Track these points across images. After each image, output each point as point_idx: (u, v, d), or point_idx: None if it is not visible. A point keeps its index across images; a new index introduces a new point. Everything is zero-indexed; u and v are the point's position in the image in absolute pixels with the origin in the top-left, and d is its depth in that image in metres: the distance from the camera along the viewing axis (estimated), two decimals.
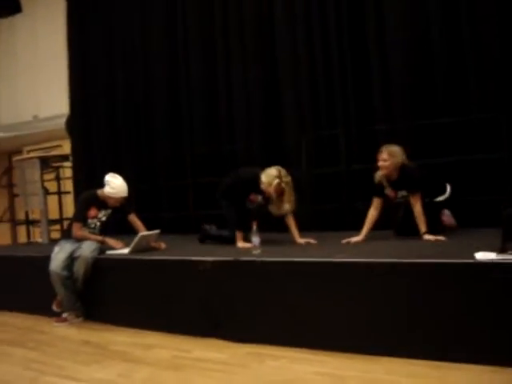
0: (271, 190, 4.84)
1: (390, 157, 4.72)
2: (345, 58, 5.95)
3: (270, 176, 4.84)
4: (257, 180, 4.90)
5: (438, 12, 5.43)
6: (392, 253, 3.91)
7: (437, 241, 4.39)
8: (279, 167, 4.92)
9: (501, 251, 3.25)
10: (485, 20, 5.17)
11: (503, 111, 5.03)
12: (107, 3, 8.20)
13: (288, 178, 4.88)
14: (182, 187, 7.25)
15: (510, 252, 3.21)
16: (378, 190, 4.91)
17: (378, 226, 4.90)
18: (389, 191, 4.88)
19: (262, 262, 4.04)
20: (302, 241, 4.91)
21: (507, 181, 4.95)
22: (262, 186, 4.88)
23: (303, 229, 5.15)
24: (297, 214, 5.08)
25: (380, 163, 4.76)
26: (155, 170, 7.54)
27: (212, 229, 5.65)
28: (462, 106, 5.30)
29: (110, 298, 4.90)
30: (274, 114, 6.52)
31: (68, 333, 4.79)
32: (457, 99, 5.34)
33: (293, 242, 4.93)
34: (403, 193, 4.83)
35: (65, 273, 4.93)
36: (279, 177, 4.82)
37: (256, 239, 4.59)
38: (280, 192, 4.86)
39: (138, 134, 7.79)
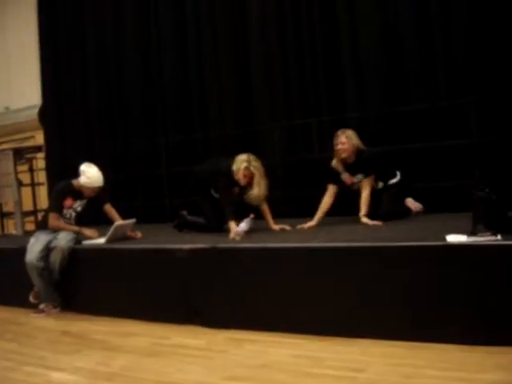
0: (240, 176, 4.85)
1: (347, 139, 4.87)
2: (316, 46, 5.99)
3: (238, 162, 4.87)
4: (231, 171, 4.91)
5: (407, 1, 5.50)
6: (363, 237, 3.98)
7: (374, 225, 4.59)
8: (249, 153, 4.95)
9: (471, 233, 3.34)
10: (455, 7, 5.25)
11: (473, 98, 5.12)
12: None
13: (257, 163, 4.88)
14: (156, 176, 7.25)
15: (479, 234, 3.30)
16: (333, 176, 5.03)
17: (344, 211, 5.07)
18: (345, 176, 5.01)
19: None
20: (276, 227, 4.97)
21: (476, 166, 5.04)
22: (235, 176, 4.90)
23: (277, 216, 5.21)
24: (271, 201, 5.14)
25: (339, 146, 4.89)
26: (130, 159, 7.51)
27: (188, 215, 5.67)
28: (431, 92, 5.38)
29: (88, 287, 4.90)
30: (247, 102, 6.54)
31: (46, 323, 4.80)
32: (427, 86, 5.42)
33: (268, 229, 4.98)
34: (360, 177, 4.96)
35: (41, 264, 4.92)
36: (248, 161, 4.83)
37: (243, 226, 4.62)
38: (249, 176, 4.86)
39: (111, 124, 7.74)
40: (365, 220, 4.72)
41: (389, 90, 5.60)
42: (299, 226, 4.90)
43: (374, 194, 4.98)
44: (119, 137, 7.65)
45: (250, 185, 4.91)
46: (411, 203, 5.22)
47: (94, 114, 7.91)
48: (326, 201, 5.02)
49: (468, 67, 5.20)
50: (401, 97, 5.53)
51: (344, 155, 4.90)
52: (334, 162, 5.02)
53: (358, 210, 4.92)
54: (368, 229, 4.54)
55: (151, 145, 7.30)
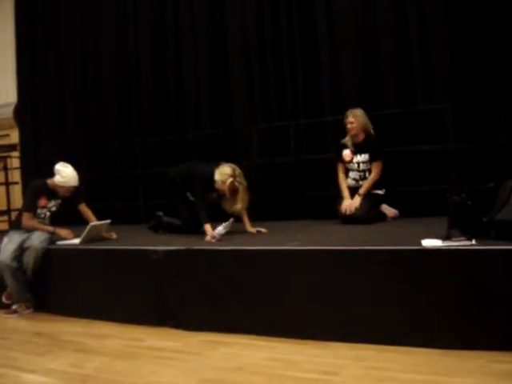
0: (225, 188, 4.83)
1: (355, 118, 5.14)
2: (295, 50, 6.01)
3: (223, 175, 4.81)
4: (211, 178, 4.87)
5: (384, 4, 5.54)
6: (340, 241, 4.00)
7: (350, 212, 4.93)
8: (234, 166, 4.91)
9: (446, 238, 3.37)
10: (433, 11, 5.30)
11: (449, 103, 5.17)
12: None
13: (242, 178, 4.86)
14: (132, 177, 7.21)
15: (454, 238, 3.33)
16: (338, 152, 5.29)
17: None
18: (347, 153, 5.21)
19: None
20: (253, 230, 4.98)
21: (452, 171, 5.09)
22: (216, 185, 4.87)
23: (254, 218, 5.21)
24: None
25: (348, 126, 5.16)
26: (105, 159, 7.46)
27: (164, 216, 5.65)
28: (409, 97, 5.43)
29: (61, 288, 4.85)
30: (225, 104, 6.54)
31: (19, 324, 4.74)
32: (403, 91, 5.46)
33: (244, 231, 4.97)
34: (363, 157, 5.13)
35: (14, 264, 4.86)
36: (233, 176, 4.80)
37: (221, 229, 4.59)
38: (233, 190, 4.85)
39: (87, 124, 7.68)
40: (357, 199, 5.00)
41: (366, 94, 5.63)
42: (252, 229, 4.99)
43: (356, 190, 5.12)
44: (95, 137, 7.58)
45: (232, 197, 4.89)
46: (386, 209, 5.27)
47: (69, 113, 7.85)
48: (341, 177, 5.30)
49: (445, 72, 5.25)
50: (378, 101, 5.57)
51: (353, 132, 5.16)
52: (346, 139, 5.26)
53: (336, 214, 5.11)
54: (344, 232, 4.56)
55: (127, 145, 7.25)
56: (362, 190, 5.06)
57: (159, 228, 5.62)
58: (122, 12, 7.37)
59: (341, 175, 5.28)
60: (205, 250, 4.17)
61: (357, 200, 4.99)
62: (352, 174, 5.24)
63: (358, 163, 5.18)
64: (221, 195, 4.99)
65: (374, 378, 2.86)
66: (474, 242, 3.26)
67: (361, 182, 5.17)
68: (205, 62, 6.68)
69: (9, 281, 4.90)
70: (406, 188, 5.31)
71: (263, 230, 4.97)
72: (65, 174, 5.10)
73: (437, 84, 5.30)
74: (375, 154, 5.11)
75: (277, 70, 6.15)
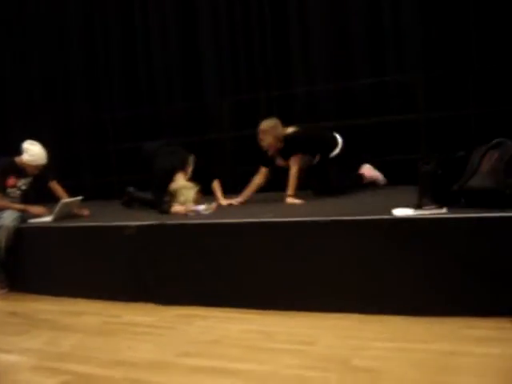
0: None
1: (265, 136, 4.94)
2: (265, 21, 5.97)
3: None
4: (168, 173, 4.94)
5: None
6: (312, 212, 4.03)
7: (299, 204, 4.65)
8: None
9: (417, 207, 3.40)
10: None
11: (419, 73, 5.19)
12: None
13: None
14: (103, 152, 7.14)
15: (426, 207, 3.36)
16: (265, 160, 5.11)
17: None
18: (279, 161, 5.08)
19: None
20: (225, 202, 4.99)
21: (422, 141, 5.13)
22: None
23: (227, 190, 5.22)
24: (220, 176, 5.17)
25: (261, 143, 4.99)
26: (75, 135, 7.39)
27: (135, 191, 5.63)
28: (380, 67, 5.44)
29: (35, 267, 4.82)
30: (195, 77, 6.50)
31: None
32: (375, 61, 5.47)
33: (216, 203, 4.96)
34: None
35: None
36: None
37: (201, 209, 4.57)
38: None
39: (55, 99, 7.58)
40: (290, 200, 4.77)
41: (336, 65, 5.63)
42: (225, 202, 5.03)
43: (314, 168, 5.07)
44: (64, 112, 7.49)
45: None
46: (368, 171, 5.26)
47: (37, 89, 7.72)
48: (256, 182, 5.14)
49: (416, 43, 5.26)
50: (349, 71, 5.57)
51: (264, 144, 4.99)
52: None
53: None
54: (317, 203, 4.58)
55: (97, 120, 7.18)
56: (289, 191, 4.84)
57: (131, 203, 5.59)
58: None
59: (257, 180, 5.15)
60: (178, 224, 4.17)
61: (295, 200, 4.76)
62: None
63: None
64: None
65: (350, 346, 2.89)
66: (444, 210, 3.30)
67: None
68: (174, 35, 6.62)
69: None
70: (377, 158, 5.34)
71: (234, 202, 5.00)
72: (33, 152, 5.03)
73: (408, 55, 5.31)
74: (288, 153, 4.97)
75: (246, 42, 6.12)
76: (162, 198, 4.87)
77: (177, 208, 4.68)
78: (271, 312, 3.59)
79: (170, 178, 4.90)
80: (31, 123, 7.53)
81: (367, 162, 5.28)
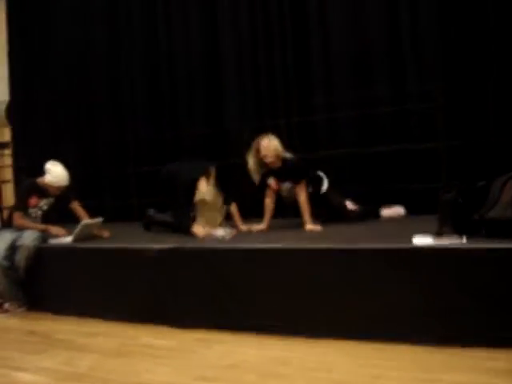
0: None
1: (269, 152, 4.78)
2: (287, 48, 6.00)
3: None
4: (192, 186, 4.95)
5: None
6: (329, 239, 4.01)
7: (318, 230, 4.60)
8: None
9: (437, 235, 3.39)
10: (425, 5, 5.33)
11: (440, 100, 5.19)
12: None
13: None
14: (124, 174, 7.20)
15: (445, 236, 3.35)
16: (264, 180, 5.00)
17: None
18: (271, 181, 4.98)
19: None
20: (244, 228, 4.98)
21: (442, 169, 5.11)
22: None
23: (245, 216, 5.24)
24: (240, 202, 5.19)
25: (263, 153, 4.82)
26: (97, 157, 7.45)
27: (155, 213, 5.66)
28: (400, 96, 5.44)
29: (54, 287, 4.85)
30: (217, 102, 6.53)
31: (11, 323, 4.73)
32: (395, 89, 5.47)
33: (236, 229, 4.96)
34: (287, 184, 4.95)
35: (6, 263, 4.85)
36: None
37: (220, 234, 4.57)
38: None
39: (79, 121, 7.64)
40: (310, 227, 4.69)
41: (358, 94, 5.63)
42: (244, 227, 4.98)
43: (316, 198, 5.02)
44: (87, 135, 7.56)
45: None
46: (350, 205, 5.20)
47: (61, 111, 7.81)
48: (267, 203, 5.04)
49: (436, 67, 5.25)
50: (370, 100, 5.56)
51: (269, 160, 4.82)
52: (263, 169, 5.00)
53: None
54: (333, 230, 4.58)
55: (119, 143, 7.24)
56: (307, 218, 4.76)
57: (151, 225, 5.62)
58: (114, 9, 7.35)
59: (268, 201, 5.04)
60: (198, 248, 4.18)
61: (314, 227, 4.69)
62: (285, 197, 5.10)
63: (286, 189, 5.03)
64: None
65: (369, 375, 2.87)
66: (464, 239, 3.28)
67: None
68: (198, 60, 6.67)
69: (0, 279, 4.88)
70: (396, 186, 5.32)
71: (254, 228, 4.97)
72: (55, 173, 5.10)
73: (428, 82, 5.31)
74: (297, 177, 4.87)
75: (269, 67, 6.14)
76: (187, 212, 4.91)
77: (197, 229, 4.70)
78: (288, 337, 3.58)
79: (194, 189, 4.91)
80: (56, 144, 7.60)
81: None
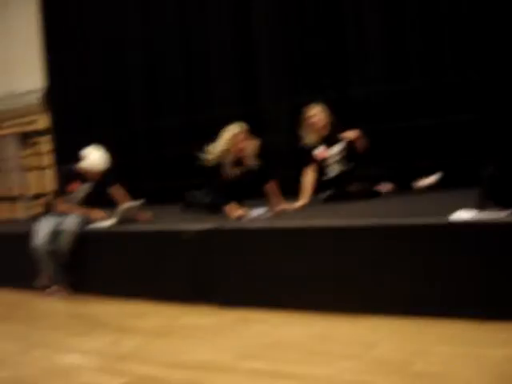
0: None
1: (318, 111, 5.06)
2: (321, 23, 5.94)
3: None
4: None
5: None
6: (365, 215, 3.96)
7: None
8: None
9: (480, 209, 3.32)
10: None
11: (477, 75, 5.08)
12: None
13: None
14: (163, 157, 7.24)
15: (488, 210, 3.28)
16: (308, 156, 5.10)
17: None
18: (321, 150, 5.06)
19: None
20: (284, 206, 4.92)
21: (484, 143, 5.01)
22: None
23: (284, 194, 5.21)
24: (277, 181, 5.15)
25: (312, 120, 5.03)
26: (135, 140, 7.51)
27: (194, 195, 5.68)
28: (436, 69, 5.33)
29: (97, 269, 4.94)
30: (251, 81, 6.51)
31: (56, 306, 4.84)
32: (430, 64, 5.36)
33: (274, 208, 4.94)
34: (336, 148, 5.06)
35: (50, 247, 4.95)
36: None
37: (257, 213, 4.60)
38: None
39: (115, 105, 7.72)
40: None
41: (392, 67, 5.54)
42: (284, 206, 4.90)
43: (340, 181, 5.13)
44: (124, 119, 7.63)
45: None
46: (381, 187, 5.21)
47: (97, 97, 7.87)
48: (310, 180, 5.07)
49: (472, 43, 5.14)
50: (404, 73, 5.47)
51: (320, 124, 5.02)
52: (307, 139, 5.11)
53: None
54: (368, 205, 4.54)
55: (156, 127, 7.28)
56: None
57: (190, 207, 5.65)
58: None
59: (310, 178, 5.09)
60: (236, 228, 4.20)
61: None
62: (330, 168, 5.16)
63: (335, 155, 5.11)
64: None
65: (410, 351, 2.84)
66: (508, 212, 3.21)
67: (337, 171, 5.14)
68: (231, 40, 6.65)
69: (45, 264, 4.99)
70: (430, 161, 5.24)
71: (288, 206, 4.91)
72: (93, 158, 5.16)
73: (463, 54, 5.20)
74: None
75: (300, 42, 6.09)
76: (223, 193, 4.91)
77: (235, 211, 4.70)
78: (330, 315, 3.55)
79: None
80: (94, 129, 7.68)
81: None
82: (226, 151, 4.90)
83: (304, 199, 4.98)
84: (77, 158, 5.30)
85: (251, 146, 4.96)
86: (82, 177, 5.25)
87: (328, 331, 3.34)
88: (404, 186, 5.09)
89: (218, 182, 4.98)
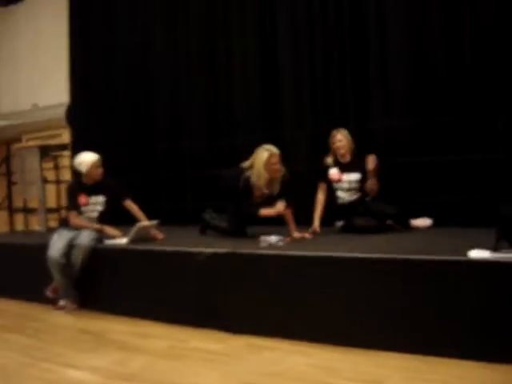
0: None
1: (343, 137, 5.19)
2: (345, 56, 5.94)
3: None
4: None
5: (437, 13, 5.43)
6: (378, 249, 3.91)
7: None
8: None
9: (494, 250, 3.29)
10: (485, 20, 5.18)
11: (500, 112, 5.06)
12: None
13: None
14: (180, 179, 7.27)
15: (503, 251, 3.25)
16: (322, 173, 5.24)
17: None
18: (335, 172, 5.17)
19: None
20: (298, 235, 4.93)
21: (503, 181, 4.97)
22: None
23: (300, 222, 5.19)
24: (294, 208, 5.13)
25: (337, 144, 5.18)
26: (155, 160, 7.54)
27: (211, 215, 5.69)
28: (459, 106, 5.31)
29: (108, 286, 4.94)
30: (274, 109, 6.52)
31: (65, 320, 4.84)
32: (454, 99, 5.34)
33: (289, 236, 4.92)
34: (350, 177, 5.13)
35: (63, 260, 4.96)
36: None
37: (272, 239, 4.58)
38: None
39: (137, 125, 7.76)
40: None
41: (415, 102, 5.53)
42: (298, 234, 4.90)
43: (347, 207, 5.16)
44: (145, 138, 7.67)
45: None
46: (418, 222, 5.21)
47: (120, 115, 7.94)
48: (320, 197, 5.24)
49: (498, 80, 5.11)
50: (427, 109, 5.46)
51: (342, 151, 5.16)
52: (328, 159, 5.24)
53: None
54: (382, 240, 4.51)
55: (176, 148, 7.32)
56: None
57: (207, 230, 5.65)
58: (173, 15, 7.44)
59: (320, 196, 5.24)
60: (249, 253, 4.18)
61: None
62: (341, 194, 5.19)
63: (349, 182, 5.15)
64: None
65: None
66: None
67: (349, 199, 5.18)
68: (254, 67, 6.68)
69: (57, 276, 5.01)
70: (447, 198, 5.21)
71: (307, 235, 4.92)
72: (81, 158, 5.32)
73: (488, 91, 5.16)
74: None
75: (326, 75, 6.09)
76: (242, 216, 5.00)
77: (265, 211, 4.77)
78: (337, 347, 3.53)
79: (250, 192, 4.95)
80: (113, 147, 7.72)
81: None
82: (263, 170, 4.87)
83: (316, 225, 5.11)
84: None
85: (283, 170, 4.97)
86: (88, 188, 5.32)
87: (334, 364, 3.30)
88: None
89: (240, 207, 5.01)
